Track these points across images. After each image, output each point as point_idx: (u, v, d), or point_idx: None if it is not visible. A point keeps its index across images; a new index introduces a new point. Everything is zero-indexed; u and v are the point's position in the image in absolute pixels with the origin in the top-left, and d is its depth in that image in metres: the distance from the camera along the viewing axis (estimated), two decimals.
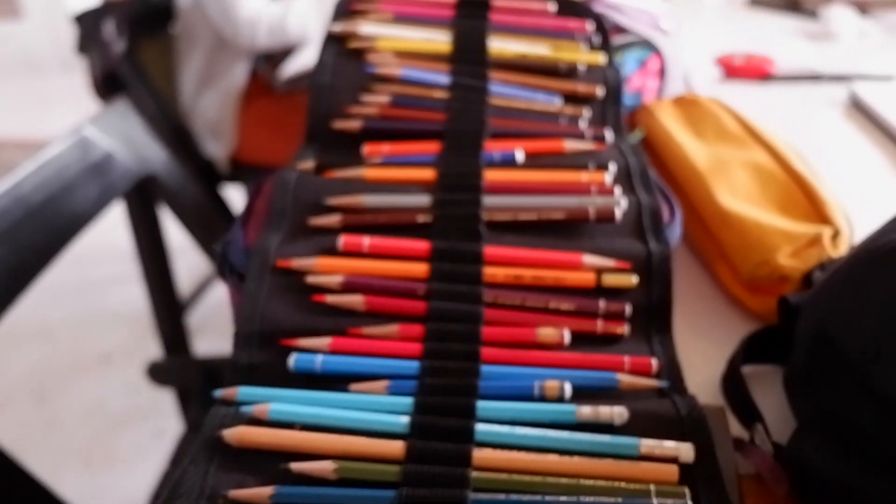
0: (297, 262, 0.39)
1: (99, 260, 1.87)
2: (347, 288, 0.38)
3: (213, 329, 1.61)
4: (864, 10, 1.17)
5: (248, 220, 0.44)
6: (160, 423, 1.46)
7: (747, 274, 0.46)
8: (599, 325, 0.38)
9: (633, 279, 0.39)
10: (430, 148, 0.47)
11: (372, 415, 0.32)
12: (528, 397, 0.34)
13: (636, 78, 0.65)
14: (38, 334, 1.71)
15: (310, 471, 0.30)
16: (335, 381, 0.35)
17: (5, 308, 0.61)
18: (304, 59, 1.36)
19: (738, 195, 0.50)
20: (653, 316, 0.39)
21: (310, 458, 0.31)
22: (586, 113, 0.50)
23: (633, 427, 0.32)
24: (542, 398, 0.34)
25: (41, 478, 0.61)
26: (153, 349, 0.96)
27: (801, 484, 0.33)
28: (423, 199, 0.43)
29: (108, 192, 0.73)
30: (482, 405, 0.33)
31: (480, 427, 0.32)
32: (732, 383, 0.40)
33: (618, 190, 0.44)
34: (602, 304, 0.38)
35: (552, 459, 0.31)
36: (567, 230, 0.42)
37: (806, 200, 0.49)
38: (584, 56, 0.53)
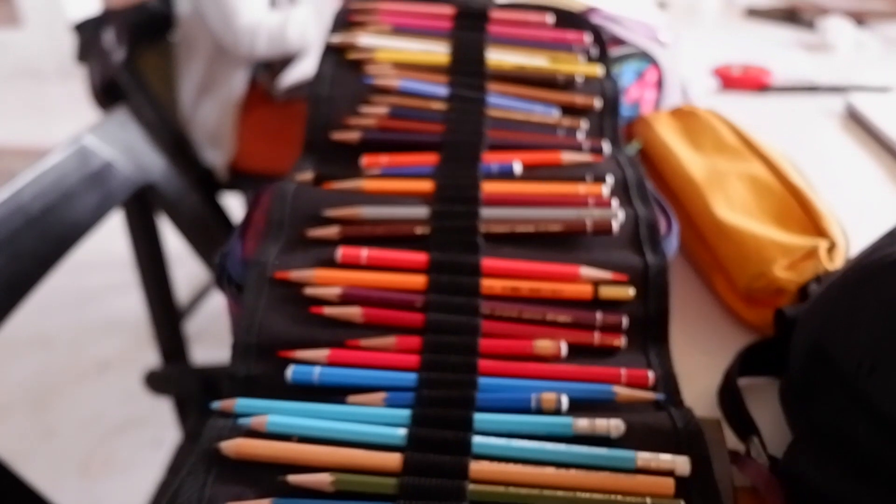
0: (296, 274, 0.39)
1: (97, 268, 1.87)
2: (345, 300, 0.38)
3: (211, 337, 1.62)
4: (861, 22, 1.17)
5: (247, 231, 0.44)
6: (158, 431, 1.46)
7: (744, 286, 0.46)
8: (596, 338, 0.38)
9: (630, 291, 0.39)
10: (429, 159, 0.47)
11: (369, 427, 0.33)
12: (525, 409, 0.34)
13: (634, 89, 0.65)
14: (36, 342, 1.71)
15: (307, 483, 0.30)
16: (333, 393, 0.35)
17: (4, 316, 0.61)
18: (304, 68, 1.37)
19: (734, 207, 0.50)
20: (649, 328, 0.39)
21: (307, 470, 0.31)
22: (584, 125, 0.51)
23: (630, 440, 0.32)
24: (539, 410, 0.34)
25: (39, 486, 0.61)
26: (151, 357, 0.96)
27: (796, 497, 0.33)
28: (421, 211, 0.43)
29: (108, 201, 0.73)
30: (479, 417, 0.33)
31: (477, 439, 0.32)
32: (729, 395, 0.40)
33: (615, 202, 0.44)
34: (599, 316, 0.38)
35: (549, 472, 0.31)
36: (564, 242, 0.42)
37: (802, 213, 0.49)
38: (581, 68, 0.53)
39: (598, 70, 0.54)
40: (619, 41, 0.65)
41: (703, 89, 0.87)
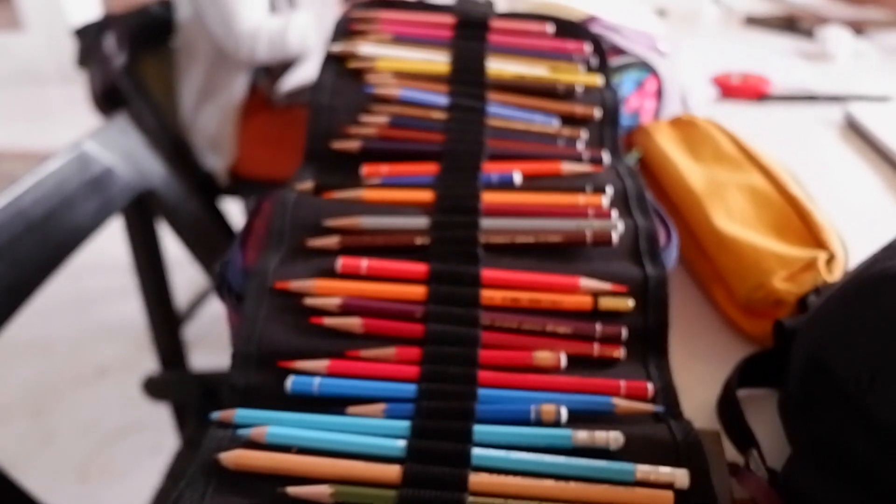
0: (296, 284, 0.39)
1: (96, 273, 1.87)
2: (345, 310, 0.38)
3: (210, 343, 1.61)
4: (860, 31, 1.18)
5: (247, 240, 0.44)
6: (156, 437, 1.46)
7: (743, 297, 0.46)
8: (596, 349, 0.38)
9: (630, 303, 0.39)
10: (429, 169, 0.47)
11: (369, 438, 0.33)
12: (524, 421, 0.34)
13: (633, 99, 0.66)
14: (36, 347, 1.71)
15: (306, 495, 0.30)
16: (332, 404, 0.35)
17: (4, 322, 0.61)
18: (304, 73, 1.37)
19: (734, 218, 0.51)
20: (649, 339, 0.39)
21: (306, 481, 0.31)
22: (584, 134, 0.51)
23: (629, 452, 0.32)
24: (539, 422, 0.34)
25: (37, 491, 0.61)
26: (150, 363, 0.96)
27: None
28: (422, 221, 0.43)
29: (108, 206, 0.74)
30: (479, 429, 0.33)
31: (477, 451, 0.32)
32: (728, 407, 0.40)
33: (615, 213, 0.44)
34: (598, 327, 0.39)
35: (548, 485, 0.31)
36: (564, 253, 0.42)
37: (801, 224, 0.49)
38: (581, 77, 0.54)
39: (597, 80, 0.54)
40: (618, 51, 0.66)
41: (702, 98, 0.87)
